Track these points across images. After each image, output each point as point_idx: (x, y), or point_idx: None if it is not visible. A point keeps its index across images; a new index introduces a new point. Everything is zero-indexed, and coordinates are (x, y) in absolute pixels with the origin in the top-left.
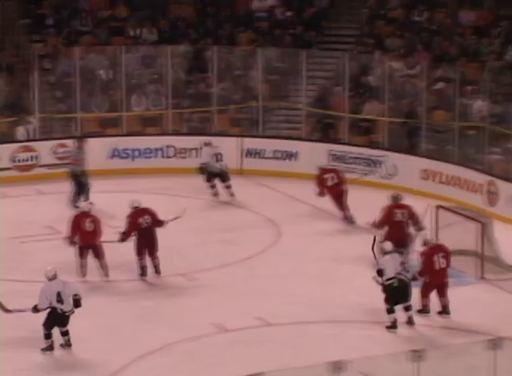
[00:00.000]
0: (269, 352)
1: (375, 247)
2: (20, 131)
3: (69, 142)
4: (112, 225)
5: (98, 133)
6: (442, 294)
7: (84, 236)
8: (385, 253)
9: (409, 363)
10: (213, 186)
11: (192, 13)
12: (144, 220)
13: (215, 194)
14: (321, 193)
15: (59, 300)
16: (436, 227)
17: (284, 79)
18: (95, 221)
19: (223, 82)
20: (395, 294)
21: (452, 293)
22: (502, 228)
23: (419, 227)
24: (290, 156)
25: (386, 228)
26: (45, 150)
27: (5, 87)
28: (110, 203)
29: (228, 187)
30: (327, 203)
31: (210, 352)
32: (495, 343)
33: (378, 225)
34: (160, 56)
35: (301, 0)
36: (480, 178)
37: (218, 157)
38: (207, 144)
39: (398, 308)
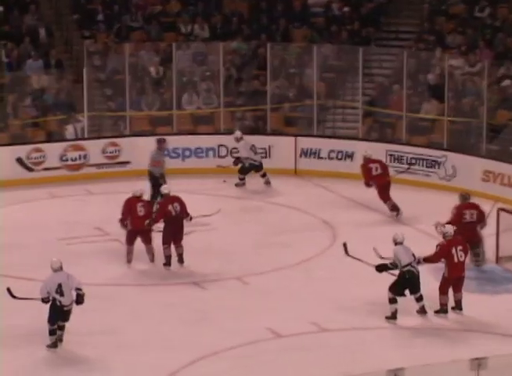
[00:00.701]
0: (324, 359)
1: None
2: (69, 130)
3: (119, 140)
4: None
5: (148, 132)
6: (458, 289)
7: (135, 220)
8: (396, 243)
9: (469, 371)
10: (243, 180)
11: (246, 9)
12: (173, 208)
13: (242, 185)
14: (367, 183)
15: (59, 291)
16: (497, 231)
17: (341, 77)
18: (146, 206)
19: (277, 80)
20: (404, 284)
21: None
22: None
23: (481, 226)
24: (347, 156)
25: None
26: (94, 149)
27: (54, 84)
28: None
29: (265, 176)
30: (383, 205)
31: (264, 359)
32: None
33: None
34: (212, 53)
35: None
36: None
37: (253, 148)
38: (240, 138)
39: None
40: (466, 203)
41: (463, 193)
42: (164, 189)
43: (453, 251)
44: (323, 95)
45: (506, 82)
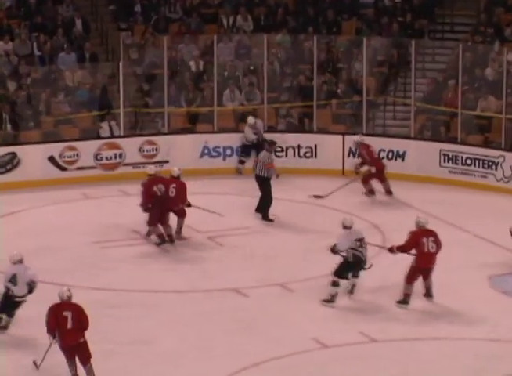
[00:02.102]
0: (373, 371)
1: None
2: (104, 128)
3: (156, 138)
4: (201, 231)
5: (187, 130)
6: (426, 277)
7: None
8: (344, 227)
9: None
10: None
11: (292, 0)
12: (158, 189)
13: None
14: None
15: (12, 281)
16: None
17: (392, 72)
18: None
19: (324, 75)
20: (347, 268)
21: None
22: None
23: None
24: (398, 156)
25: None
26: (130, 147)
27: (89, 79)
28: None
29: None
30: (436, 208)
31: (309, 370)
32: None
33: None
34: (255, 46)
35: None
36: None
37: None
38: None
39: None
40: None
41: None
42: (150, 170)
43: (424, 240)
44: (373, 91)
45: None
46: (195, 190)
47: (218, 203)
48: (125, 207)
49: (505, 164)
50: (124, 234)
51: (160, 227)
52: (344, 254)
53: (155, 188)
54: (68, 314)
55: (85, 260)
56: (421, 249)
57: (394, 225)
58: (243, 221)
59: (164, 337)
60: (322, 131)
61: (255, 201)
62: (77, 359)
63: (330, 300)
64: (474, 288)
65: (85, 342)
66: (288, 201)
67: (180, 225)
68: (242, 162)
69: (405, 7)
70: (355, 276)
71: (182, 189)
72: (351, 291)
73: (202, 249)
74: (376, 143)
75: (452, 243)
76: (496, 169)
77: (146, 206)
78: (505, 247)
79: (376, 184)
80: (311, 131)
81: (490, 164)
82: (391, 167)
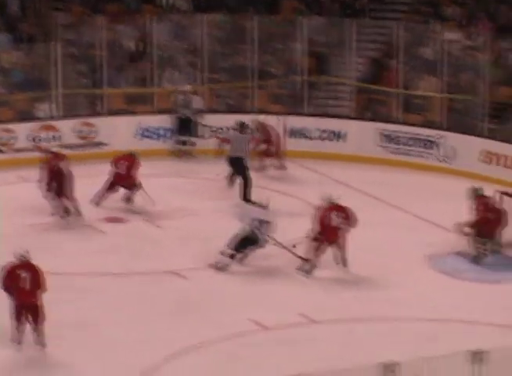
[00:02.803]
0: (312, 352)
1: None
2: (41, 109)
3: (94, 120)
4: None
5: (125, 111)
6: (338, 247)
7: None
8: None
9: (468, 364)
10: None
11: None
12: (56, 164)
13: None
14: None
15: None
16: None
17: (331, 51)
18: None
19: (263, 55)
20: (244, 242)
21: None
22: None
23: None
24: (338, 136)
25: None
26: (67, 129)
27: (25, 60)
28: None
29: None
30: (376, 188)
31: (248, 352)
32: None
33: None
34: (194, 27)
35: None
36: None
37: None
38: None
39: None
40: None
41: (474, 187)
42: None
43: (331, 215)
44: (312, 71)
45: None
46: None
47: (156, 185)
48: None
49: (445, 144)
50: (75, 220)
51: (63, 200)
52: (247, 228)
53: (53, 163)
54: (26, 275)
55: (23, 242)
56: (328, 223)
57: None
58: (181, 203)
59: (102, 320)
60: (261, 111)
61: (193, 182)
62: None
63: (220, 268)
64: (413, 268)
65: (41, 306)
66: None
67: (129, 197)
68: (183, 143)
69: None
70: (246, 251)
71: (132, 167)
72: (239, 261)
73: (140, 232)
74: (316, 124)
75: (392, 223)
76: (436, 149)
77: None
78: (445, 227)
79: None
80: (250, 112)
81: (430, 143)
82: (332, 147)
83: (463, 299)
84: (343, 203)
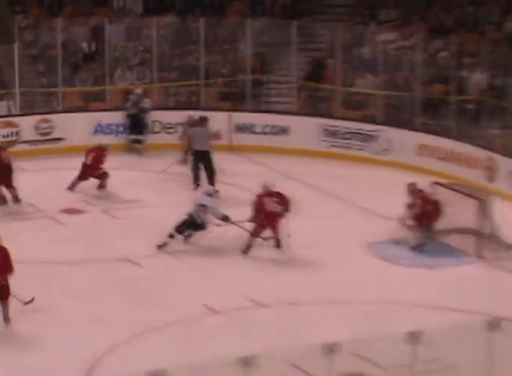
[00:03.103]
0: (259, 334)
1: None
2: (2, 106)
3: (51, 117)
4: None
5: (81, 108)
6: (272, 232)
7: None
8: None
9: (405, 344)
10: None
11: None
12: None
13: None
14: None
15: None
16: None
17: (275, 51)
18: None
19: (211, 55)
20: (187, 225)
21: (451, 272)
22: (502, 205)
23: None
24: (282, 131)
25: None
26: (26, 125)
27: None
28: (91, 181)
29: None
30: (318, 180)
31: (199, 334)
32: (494, 324)
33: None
34: (145, 28)
35: None
36: (478, 153)
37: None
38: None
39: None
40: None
41: (413, 184)
42: None
43: (266, 200)
44: (257, 70)
45: (443, 54)
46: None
47: (111, 178)
48: (22, 183)
49: (382, 138)
50: (22, 208)
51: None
52: (191, 212)
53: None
54: None
55: None
56: (263, 208)
57: None
58: (134, 195)
59: (60, 305)
60: (210, 108)
61: (146, 176)
62: None
63: (162, 246)
64: (354, 255)
65: (7, 284)
66: (178, 175)
67: (101, 184)
68: (139, 141)
69: None
70: (188, 232)
71: (98, 159)
72: (184, 242)
73: (97, 222)
74: (261, 120)
75: (333, 213)
76: (374, 142)
77: None
78: (383, 215)
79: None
80: (198, 109)
81: (368, 137)
82: (276, 141)
83: (400, 283)
84: (287, 194)
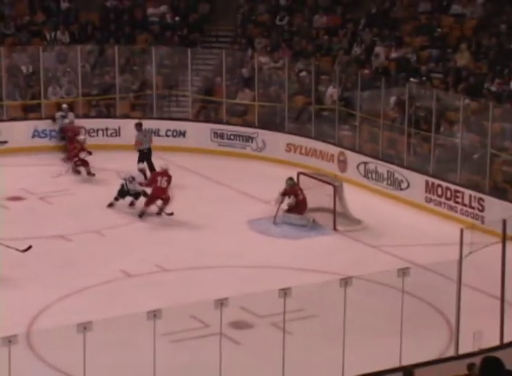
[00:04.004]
0: (165, 293)
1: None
2: None
3: None
4: (34, 192)
5: (22, 117)
6: (165, 203)
7: None
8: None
9: (279, 298)
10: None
11: (98, 18)
12: None
13: None
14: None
15: None
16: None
17: (174, 72)
18: None
19: (124, 75)
20: (121, 193)
21: (312, 242)
22: (351, 189)
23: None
24: (180, 134)
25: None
26: None
27: None
28: (30, 175)
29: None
30: (209, 171)
31: (117, 295)
32: (346, 281)
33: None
34: (71, 54)
35: (187, 7)
36: (332, 149)
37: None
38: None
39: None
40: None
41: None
42: None
43: (159, 178)
44: (161, 87)
45: (304, 73)
46: (29, 163)
47: (47, 172)
48: None
49: (258, 139)
50: None
51: None
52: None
53: None
54: None
55: None
56: (156, 184)
57: (180, 185)
58: (66, 185)
59: (8, 274)
60: (124, 116)
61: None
62: None
63: (111, 204)
64: (237, 230)
65: None
66: (100, 170)
67: (87, 171)
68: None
69: (183, 24)
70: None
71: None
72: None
73: (35, 207)
74: (164, 125)
75: (221, 197)
76: (252, 142)
77: None
78: (260, 199)
79: None
80: (115, 117)
81: (247, 138)
82: (176, 142)
83: (274, 251)
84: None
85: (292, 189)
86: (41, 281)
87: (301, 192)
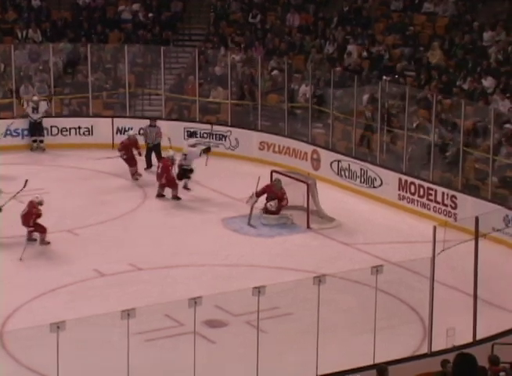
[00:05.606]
0: (139, 292)
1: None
2: None
3: None
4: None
5: None
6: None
7: None
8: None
9: (253, 297)
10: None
11: (70, 16)
12: None
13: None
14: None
15: None
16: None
17: (147, 70)
18: None
19: (96, 73)
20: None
21: (286, 240)
22: (324, 187)
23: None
24: None
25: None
26: None
27: None
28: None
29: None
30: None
31: (91, 293)
32: (320, 279)
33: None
34: (44, 53)
35: (159, 5)
36: (306, 147)
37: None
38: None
39: None
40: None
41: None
42: None
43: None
44: (133, 85)
45: (275, 72)
46: (1, 162)
47: (18, 171)
48: None
49: (231, 137)
50: None
51: None
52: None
53: None
54: None
55: None
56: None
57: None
58: (38, 184)
59: None
60: (97, 115)
61: (46, 170)
62: None
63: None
64: (211, 228)
65: None
66: (74, 168)
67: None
68: (35, 141)
69: (155, 22)
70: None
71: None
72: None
73: (9, 206)
74: (137, 123)
75: (195, 196)
76: (225, 140)
77: None
78: (233, 197)
79: None
80: (88, 116)
81: (221, 136)
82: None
83: (249, 249)
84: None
85: (279, 192)
86: (14, 280)
87: (286, 197)
